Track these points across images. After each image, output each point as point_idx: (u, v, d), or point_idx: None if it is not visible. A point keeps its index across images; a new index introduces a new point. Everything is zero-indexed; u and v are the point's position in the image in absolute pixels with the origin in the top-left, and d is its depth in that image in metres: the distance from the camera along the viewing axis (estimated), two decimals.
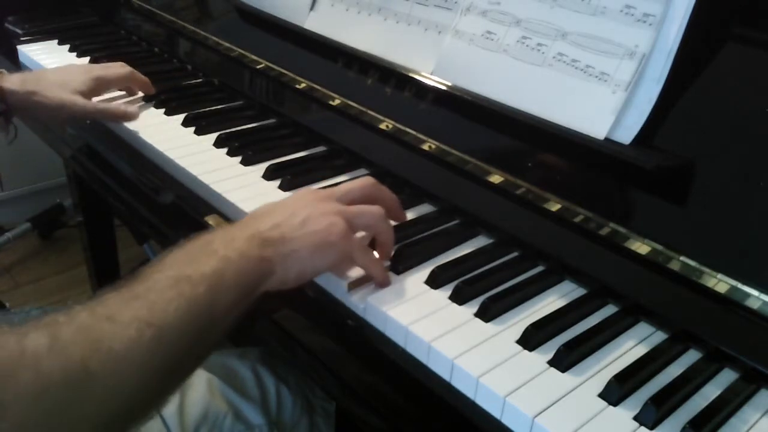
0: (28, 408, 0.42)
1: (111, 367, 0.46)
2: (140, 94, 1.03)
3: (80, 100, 0.93)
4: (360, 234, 0.65)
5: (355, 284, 0.64)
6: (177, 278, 0.52)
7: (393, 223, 0.70)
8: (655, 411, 0.52)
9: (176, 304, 0.51)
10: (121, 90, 1.03)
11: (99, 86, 0.97)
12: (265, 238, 0.58)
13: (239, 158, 0.86)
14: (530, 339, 0.58)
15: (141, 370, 0.48)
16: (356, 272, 0.64)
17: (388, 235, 0.66)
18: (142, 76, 1.01)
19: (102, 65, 1.03)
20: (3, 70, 0.97)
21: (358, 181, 0.68)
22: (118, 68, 1.00)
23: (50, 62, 1.14)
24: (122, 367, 0.47)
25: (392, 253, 0.67)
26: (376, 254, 0.65)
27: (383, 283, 0.64)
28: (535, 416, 0.51)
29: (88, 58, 1.17)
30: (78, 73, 0.96)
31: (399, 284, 0.65)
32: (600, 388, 0.54)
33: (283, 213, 0.61)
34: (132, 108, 0.96)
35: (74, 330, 0.46)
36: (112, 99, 1.02)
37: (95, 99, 0.98)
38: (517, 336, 0.59)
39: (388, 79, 0.87)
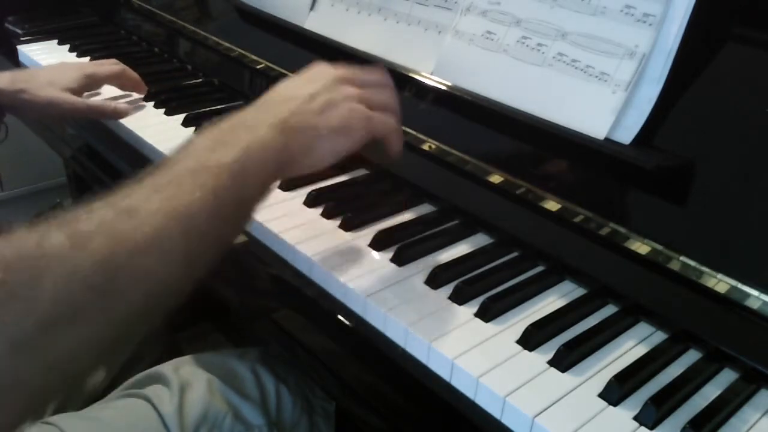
0: (57, 296, 0.42)
1: (138, 255, 0.46)
2: (134, 95, 1.03)
3: (70, 98, 0.93)
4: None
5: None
6: (199, 169, 0.52)
7: None
8: (655, 411, 0.52)
9: (200, 194, 0.50)
10: (117, 87, 1.03)
11: (90, 83, 0.97)
12: (287, 126, 0.58)
13: None
14: (530, 339, 0.58)
15: (168, 258, 0.48)
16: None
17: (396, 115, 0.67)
18: (135, 74, 1.01)
19: (94, 62, 1.03)
20: None
21: (375, 71, 0.68)
22: (109, 65, 1.00)
23: (50, 62, 1.14)
24: (151, 252, 0.47)
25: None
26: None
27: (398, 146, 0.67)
28: (535, 416, 0.51)
29: (88, 58, 1.17)
30: (69, 70, 0.96)
31: (399, 284, 0.65)
32: (600, 388, 0.54)
33: (302, 96, 0.61)
34: (122, 105, 0.96)
35: (95, 226, 0.46)
36: (113, 97, 1.02)
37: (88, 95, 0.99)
38: (517, 336, 0.59)
39: None
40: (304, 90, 0.61)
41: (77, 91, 0.95)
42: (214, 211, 0.51)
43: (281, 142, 0.57)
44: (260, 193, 0.56)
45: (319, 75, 0.64)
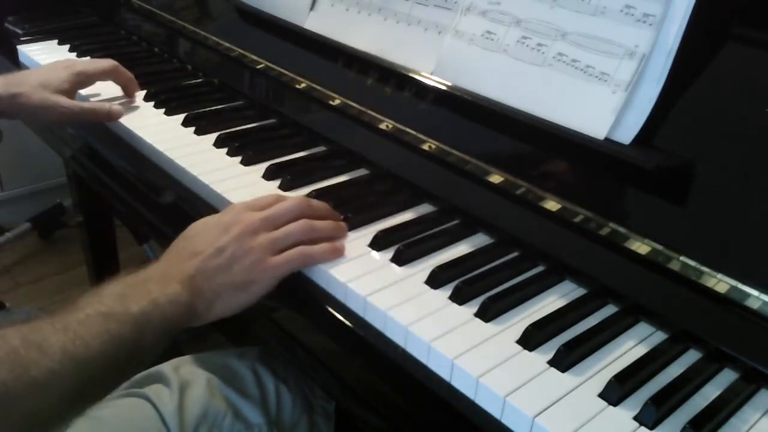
0: None
1: (31, 394, 0.50)
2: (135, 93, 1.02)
3: (63, 101, 0.93)
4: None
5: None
6: (107, 315, 0.57)
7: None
8: (655, 411, 0.52)
9: (102, 339, 0.55)
10: (113, 82, 1.02)
11: (81, 81, 0.97)
12: (193, 284, 0.63)
13: (239, 158, 0.86)
14: (530, 339, 0.58)
15: (58, 398, 0.52)
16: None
17: (325, 233, 0.69)
18: (127, 72, 1.01)
19: (86, 59, 1.02)
20: None
21: (289, 203, 0.70)
22: (101, 62, 1.00)
23: (50, 62, 1.14)
24: (41, 394, 0.51)
25: (343, 236, 0.71)
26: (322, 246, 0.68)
27: (333, 256, 0.67)
28: (535, 416, 0.51)
29: (87, 59, 1.17)
30: (60, 70, 0.96)
31: (399, 284, 0.65)
32: (600, 388, 0.54)
33: (210, 250, 0.65)
34: (115, 107, 0.96)
35: (3, 354, 0.50)
36: (112, 99, 1.02)
37: (88, 94, 0.98)
38: (517, 336, 0.59)
39: (388, 79, 0.87)
40: (213, 242, 0.65)
41: (69, 91, 0.94)
42: (111, 358, 0.56)
43: (187, 298, 0.62)
44: (160, 342, 0.61)
45: (231, 222, 0.67)
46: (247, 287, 0.65)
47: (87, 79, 0.98)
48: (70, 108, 0.93)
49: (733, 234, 0.60)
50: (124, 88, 1.02)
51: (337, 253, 0.68)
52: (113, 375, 0.58)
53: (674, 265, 0.61)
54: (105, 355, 0.55)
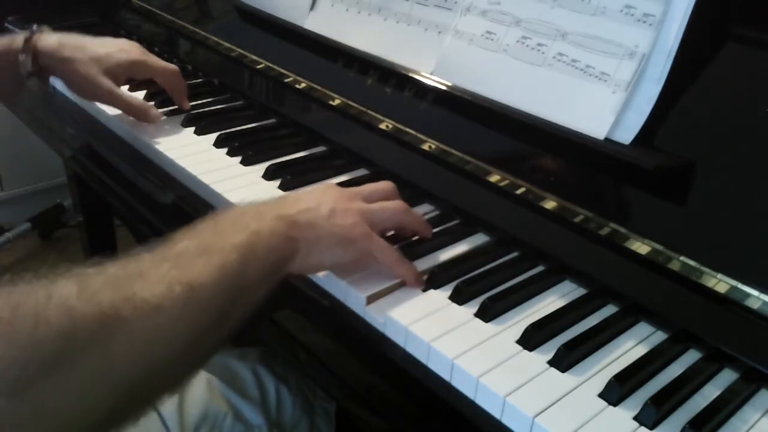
0: (61, 344, 0.42)
1: (144, 315, 0.46)
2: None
3: (108, 85, 0.90)
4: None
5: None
6: (207, 247, 0.53)
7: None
8: (655, 411, 0.52)
9: (208, 269, 0.51)
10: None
11: (135, 71, 0.95)
12: (294, 220, 0.60)
13: (239, 158, 0.86)
14: (530, 339, 0.58)
15: (174, 321, 0.48)
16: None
17: (416, 223, 0.69)
18: (183, 82, 0.97)
19: (149, 54, 0.98)
20: (45, 27, 0.93)
21: (381, 184, 0.69)
22: (164, 62, 0.97)
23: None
24: (155, 315, 0.46)
25: (431, 234, 0.70)
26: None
27: (414, 281, 0.64)
28: (535, 416, 0.51)
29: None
30: (118, 52, 0.93)
31: (399, 284, 0.65)
32: (600, 388, 0.54)
33: (310, 201, 0.63)
34: (154, 111, 0.93)
35: (104, 280, 0.46)
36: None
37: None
38: (517, 336, 0.59)
39: (388, 79, 0.87)
40: (311, 196, 0.64)
41: (119, 75, 0.92)
42: (221, 286, 0.51)
43: (287, 231, 0.58)
44: (266, 279, 0.56)
45: (326, 190, 0.66)
46: (347, 245, 0.61)
47: (142, 70, 0.95)
48: (112, 94, 0.91)
49: (733, 234, 0.60)
50: (173, 95, 0.98)
51: (419, 284, 0.64)
52: (225, 308, 0.52)
53: (674, 265, 0.61)
54: (214, 282, 0.51)
